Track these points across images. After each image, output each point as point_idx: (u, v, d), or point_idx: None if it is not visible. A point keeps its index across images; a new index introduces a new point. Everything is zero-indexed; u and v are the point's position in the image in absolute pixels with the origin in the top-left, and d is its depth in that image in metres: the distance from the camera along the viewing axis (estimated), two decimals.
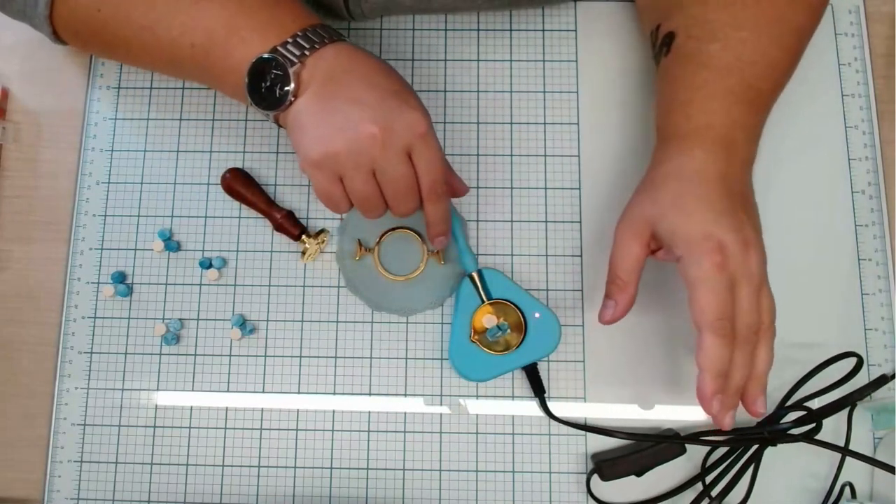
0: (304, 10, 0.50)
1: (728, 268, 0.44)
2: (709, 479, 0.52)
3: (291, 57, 0.46)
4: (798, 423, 0.50)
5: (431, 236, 0.51)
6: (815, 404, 0.52)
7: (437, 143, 0.47)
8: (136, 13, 0.50)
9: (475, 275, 0.54)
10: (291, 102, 0.47)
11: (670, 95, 0.51)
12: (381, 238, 0.56)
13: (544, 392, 0.54)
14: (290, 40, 0.47)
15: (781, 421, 0.52)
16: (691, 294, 0.45)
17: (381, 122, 0.45)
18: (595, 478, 0.52)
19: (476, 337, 0.53)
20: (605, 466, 0.52)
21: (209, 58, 0.49)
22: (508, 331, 0.53)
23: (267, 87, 0.47)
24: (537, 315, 0.54)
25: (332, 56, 0.47)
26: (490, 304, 0.54)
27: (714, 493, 0.51)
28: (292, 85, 0.46)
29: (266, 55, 0.47)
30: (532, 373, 0.54)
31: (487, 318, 0.54)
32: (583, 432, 0.54)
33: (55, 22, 0.53)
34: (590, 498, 0.53)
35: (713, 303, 0.44)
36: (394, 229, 0.56)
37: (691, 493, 0.52)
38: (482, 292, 0.54)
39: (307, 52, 0.47)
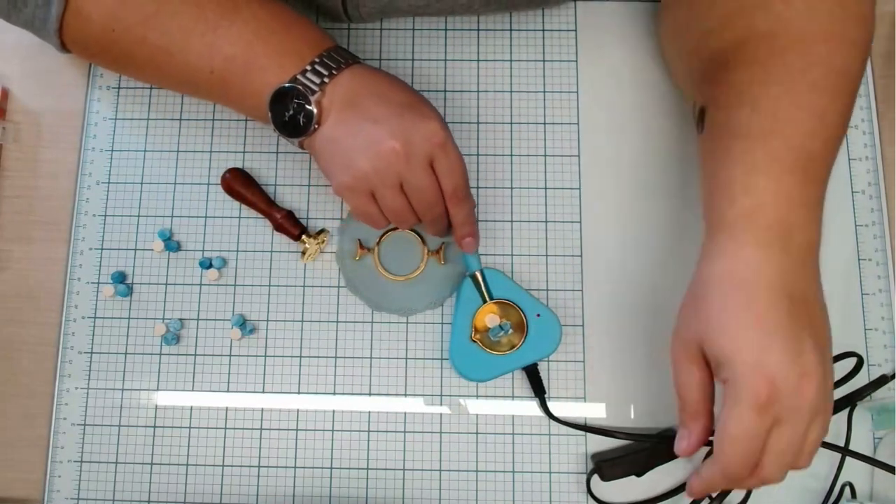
0: (319, 34, 0.50)
1: (772, 409, 0.38)
2: None
3: (312, 86, 0.47)
4: None
5: (458, 238, 0.52)
6: None
7: (457, 149, 0.49)
8: (153, 36, 0.49)
9: (478, 274, 0.54)
10: (315, 129, 0.48)
11: (710, 176, 0.44)
12: (381, 238, 0.56)
13: (544, 392, 0.54)
14: (308, 68, 0.48)
15: None
16: (722, 423, 0.40)
17: (401, 137, 0.46)
18: (595, 478, 0.52)
19: (477, 336, 0.53)
20: (605, 466, 0.52)
21: (227, 84, 0.50)
22: (511, 330, 0.53)
23: (290, 116, 0.48)
24: (538, 315, 0.54)
25: (347, 80, 0.48)
26: (492, 304, 0.54)
27: (714, 493, 0.51)
28: (315, 113, 0.47)
29: (287, 85, 0.47)
30: (532, 373, 0.53)
31: (490, 318, 0.54)
32: (583, 432, 0.54)
33: (64, 36, 0.52)
34: (590, 498, 0.53)
35: (739, 448, 0.39)
36: (394, 229, 0.56)
37: None
38: (484, 292, 0.54)
39: (326, 80, 0.47)
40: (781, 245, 0.41)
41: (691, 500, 0.47)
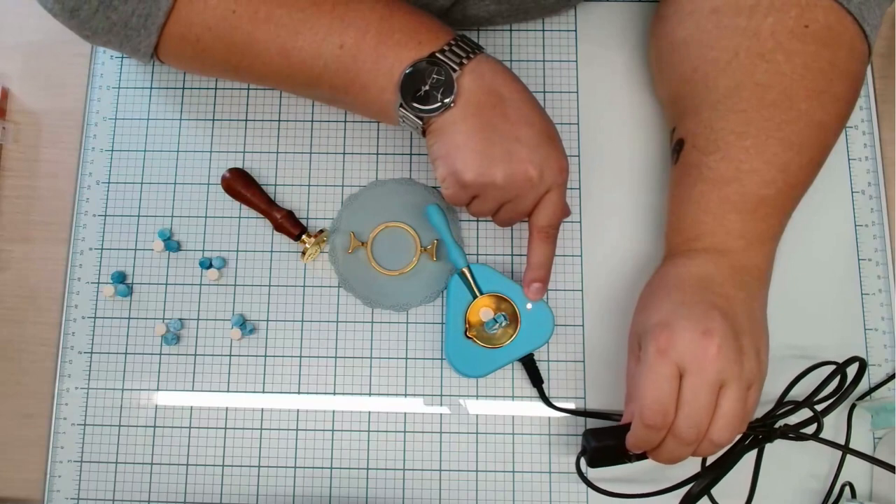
0: (445, 23, 0.50)
1: (672, 354, 0.43)
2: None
3: (452, 63, 0.47)
4: (800, 423, 0.50)
5: (529, 280, 0.52)
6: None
7: (566, 190, 0.50)
8: (279, 12, 0.47)
9: (465, 271, 0.54)
10: (451, 107, 0.47)
11: (671, 210, 0.51)
12: (374, 232, 0.56)
13: (542, 382, 0.54)
14: (446, 48, 0.47)
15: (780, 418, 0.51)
16: (636, 372, 0.46)
17: (539, 166, 0.47)
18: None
19: (472, 332, 0.53)
20: (593, 446, 0.49)
21: (357, 60, 0.48)
22: (506, 321, 0.53)
23: (425, 91, 0.47)
24: (529, 306, 0.54)
25: (488, 73, 0.48)
26: (484, 297, 0.54)
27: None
28: (455, 91, 0.47)
29: (425, 61, 0.47)
30: (529, 364, 0.54)
31: (484, 312, 0.54)
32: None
33: (167, 33, 0.48)
34: (588, 492, 0.52)
35: (648, 392, 0.43)
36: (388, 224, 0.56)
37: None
38: (474, 287, 0.54)
39: (464, 61, 0.47)
40: (708, 259, 0.47)
41: (632, 453, 0.47)
